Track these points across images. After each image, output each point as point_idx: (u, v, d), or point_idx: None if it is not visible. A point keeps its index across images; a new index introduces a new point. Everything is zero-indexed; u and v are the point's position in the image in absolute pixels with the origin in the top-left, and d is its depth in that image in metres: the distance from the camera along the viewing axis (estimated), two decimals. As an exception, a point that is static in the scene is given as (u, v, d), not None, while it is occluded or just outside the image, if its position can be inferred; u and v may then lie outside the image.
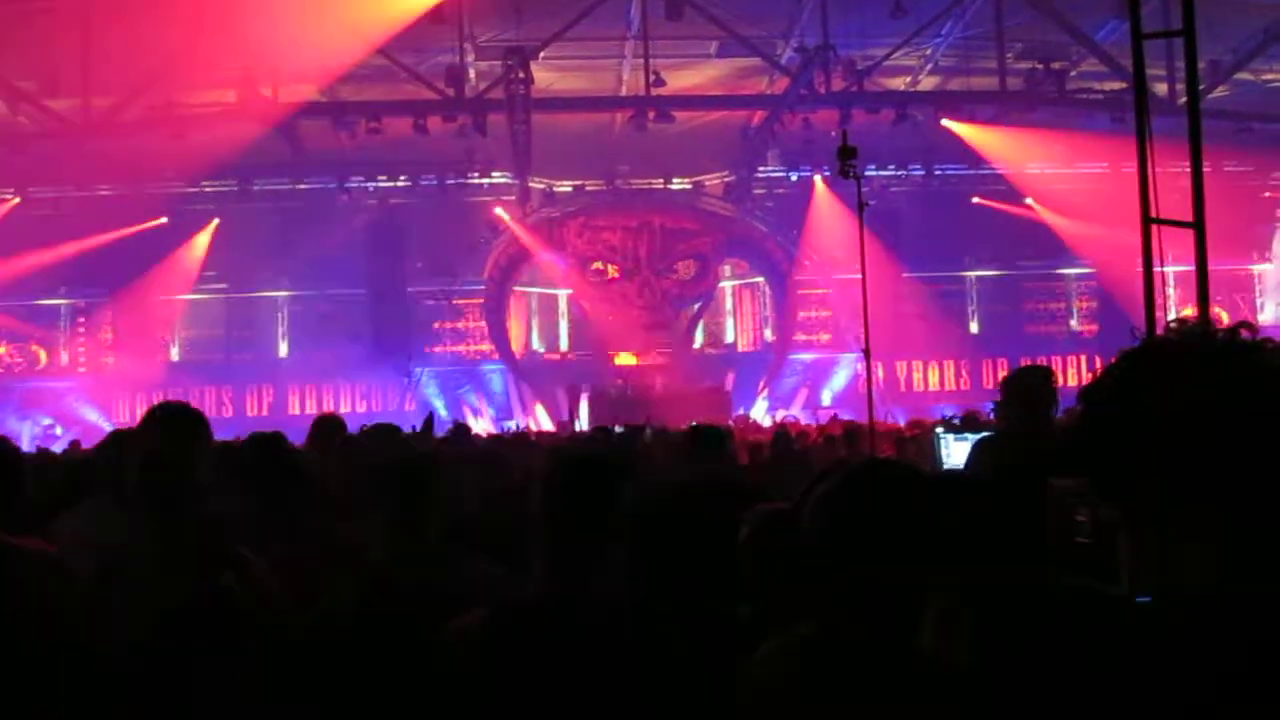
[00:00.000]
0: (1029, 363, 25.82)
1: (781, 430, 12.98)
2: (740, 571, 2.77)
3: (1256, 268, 28.36)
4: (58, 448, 20.42)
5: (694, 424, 7.54)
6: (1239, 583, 1.33)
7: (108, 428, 23.70)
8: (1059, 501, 4.24)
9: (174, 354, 26.78)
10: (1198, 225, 6.25)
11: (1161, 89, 19.71)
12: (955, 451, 7.94)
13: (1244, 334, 1.44)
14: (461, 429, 10.92)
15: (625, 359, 26.94)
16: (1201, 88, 15.51)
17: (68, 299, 26.22)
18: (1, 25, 18.08)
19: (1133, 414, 1.41)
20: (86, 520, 4.06)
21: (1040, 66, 21.25)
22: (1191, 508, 1.36)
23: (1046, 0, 19.76)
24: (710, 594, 2.78)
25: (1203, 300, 6.40)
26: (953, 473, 6.11)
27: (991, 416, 7.59)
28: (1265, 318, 28.11)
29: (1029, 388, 5.64)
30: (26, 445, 19.51)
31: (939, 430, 9.17)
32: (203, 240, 25.13)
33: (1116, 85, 20.38)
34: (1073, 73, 22.18)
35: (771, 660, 2.19)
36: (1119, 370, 1.47)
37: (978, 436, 6.62)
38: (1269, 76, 23.54)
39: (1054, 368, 23.65)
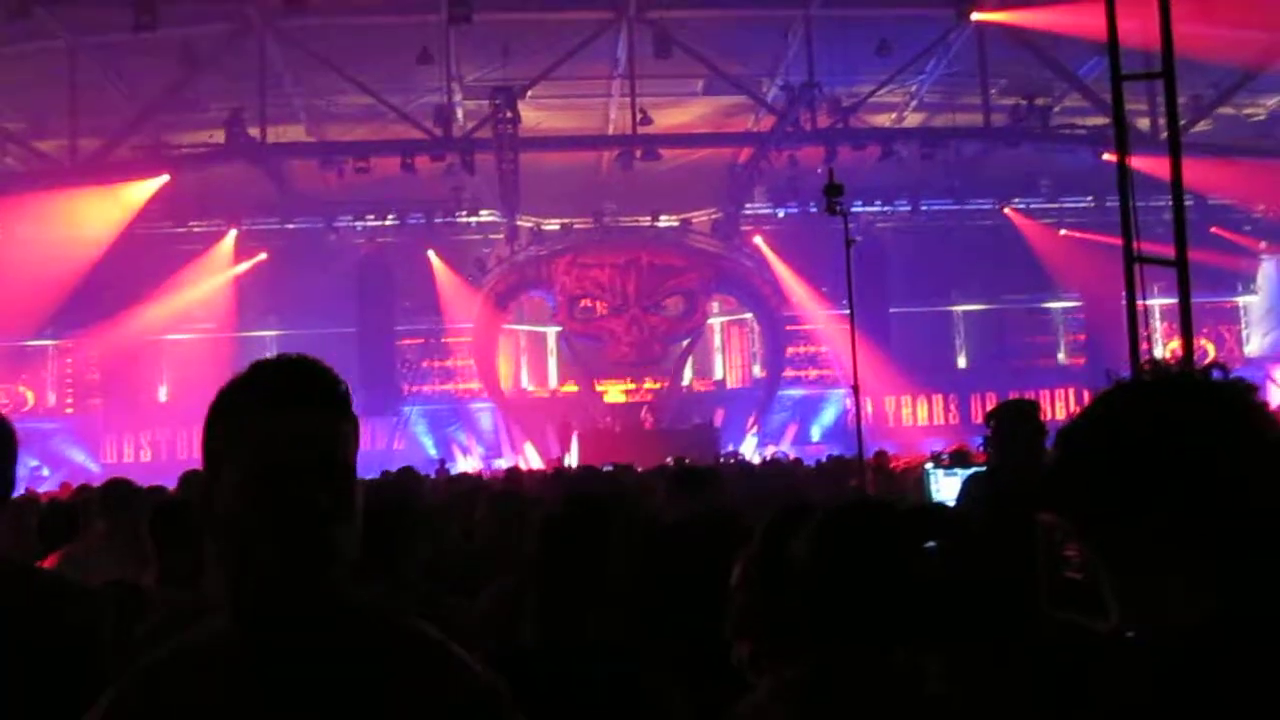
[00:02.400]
0: (1016, 395, 26.05)
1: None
2: (734, 613, 2.75)
3: (1242, 299, 28.49)
4: (44, 489, 20.32)
5: (681, 461, 7.53)
6: (1223, 615, 1.34)
7: (95, 469, 23.70)
8: (1047, 536, 4.24)
9: (162, 395, 26.69)
10: (1180, 264, 6.26)
11: (1144, 124, 19.88)
12: (945, 487, 7.98)
13: (1215, 374, 1.47)
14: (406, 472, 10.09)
15: (614, 396, 26.93)
16: (1183, 122, 15.63)
17: (54, 339, 26.14)
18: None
19: (1107, 453, 1.43)
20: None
21: (1024, 102, 21.39)
22: (1168, 545, 1.38)
23: (1030, 37, 19.92)
24: (705, 636, 2.76)
25: (1186, 336, 6.40)
26: (935, 506, 6.09)
27: (981, 451, 7.60)
28: (1251, 349, 28.24)
29: (1017, 421, 5.64)
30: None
31: (929, 466, 9.20)
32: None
33: (1100, 121, 20.53)
34: (1056, 109, 22.34)
35: (761, 705, 2.17)
36: (1094, 411, 1.50)
37: (968, 472, 6.63)
38: (1250, 110, 23.75)
39: (1042, 401, 23.64)
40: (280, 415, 1.61)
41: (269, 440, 1.60)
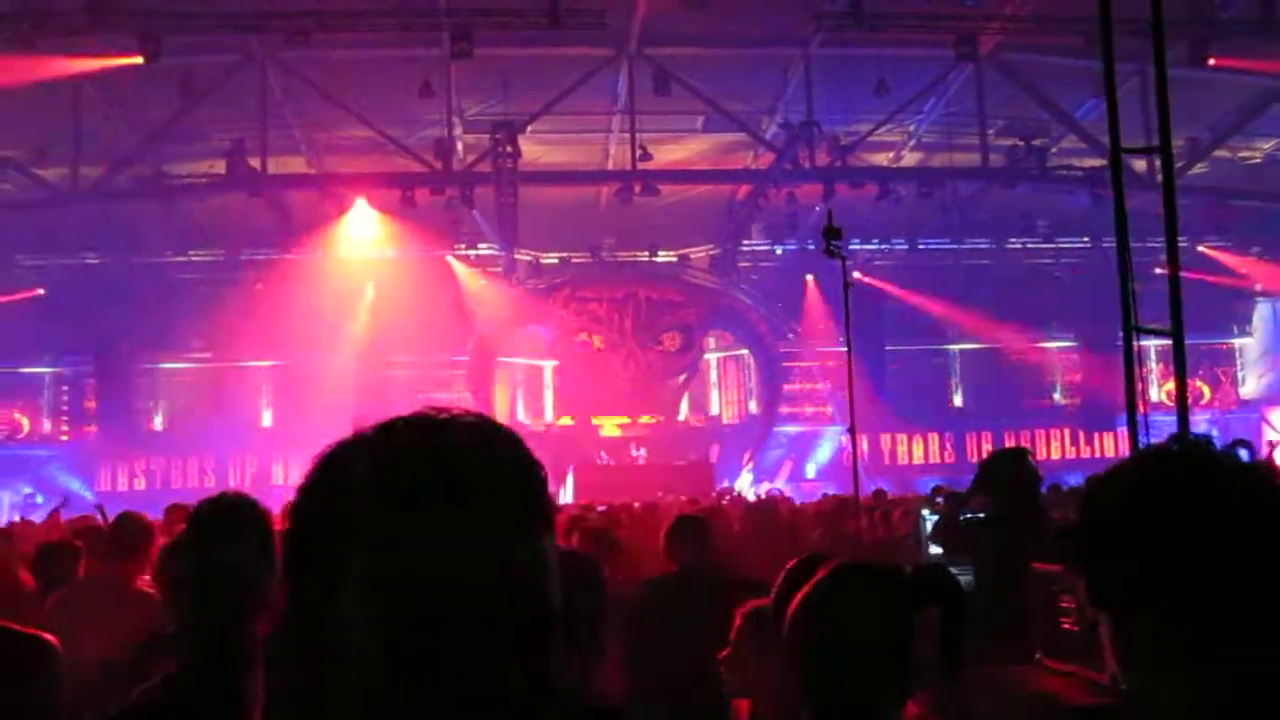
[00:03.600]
0: (1012, 435, 26.11)
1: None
2: (726, 668, 2.76)
3: (1237, 341, 28.55)
4: (37, 516, 20.26)
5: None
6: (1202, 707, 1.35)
7: (89, 496, 23.63)
8: (1045, 588, 4.25)
9: (157, 423, 26.65)
10: (1176, 334, 6.28)
11: (1140, 165, 19.98)
12: (941, 530, 7.97)
13: (1241, 452, 1.48)
14: None
15: (610, 430, 26.90)
16: (1180, 165, 15.74)
17: (51, 367, 26.11)
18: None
19: (1143, 530, 1.43)
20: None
21: (1022, 143, 21.53)
22: (1172, 626, 1.38)
23: (1027, 79, 20.05)
24: (699, 692, 2.76)
25: (1182, 413, 6.41)
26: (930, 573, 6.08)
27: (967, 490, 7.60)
28: (1246, 391, 28.27)
29: (1014, 471, 5.66)
30: (6, 513, 19.41)
31: (925, 511, 9.20)
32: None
33: (1097, 162, 20.63)
34: (1054, 149, 22.47)
35: None
36: (1126, 483, 1.50)
37: (963, 518, 6.64)
38: (1245, 153, 23.88)
39: (1037, 440, 23.47)
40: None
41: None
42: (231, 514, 2.93)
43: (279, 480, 25.28)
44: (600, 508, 12.14)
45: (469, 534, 0.99)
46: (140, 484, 25.50)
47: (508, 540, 1.01)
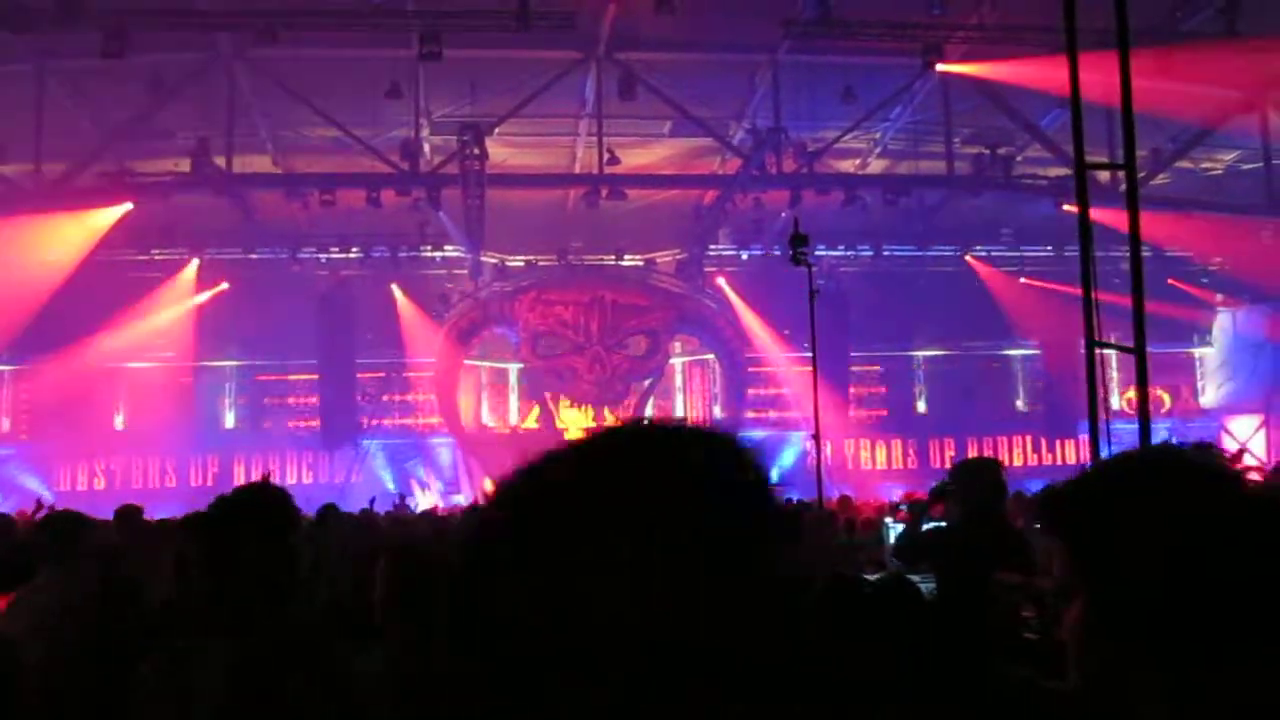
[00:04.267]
0: (975, 442, 26.28)
1: None
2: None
3: (1198, 350, 28.82)
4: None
5: None
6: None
7: (48, 496, 23.40)
8: (1005, 597, 4.30)
9: (118, 423, 26.41)
10: (1139, 350, 6.35)
11: (1104, 176, 20.12)
12: (903, 541, 8.05)
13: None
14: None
15: (576, 434, 26.67)
16: (1142, 175, 15.87)
17: (11, 364, 25.84)
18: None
19: (1138, 506, 1.43)
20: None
21: (987, 152, 21.66)
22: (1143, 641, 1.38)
23: (992, 88, 20.20)
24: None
25: (1144, 424, 6.48)
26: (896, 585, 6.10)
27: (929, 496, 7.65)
28: (1206, 400, 28.55)
29: (981, 482, 5.70)
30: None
31: (888, 520, 9.26)
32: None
33: (1061, 171, 20.81)
34: (1019, 158, 22.63)
35: None
36: (1131, 464, 1.49)
37: (927, 527, 6.70)
38: (1207, 164, 24.14)
39: (999, 447, 23.65)
40: None
41: None
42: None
43: (241, 480, 25.16)
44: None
45: None
46: (100, 484, 25.29)
47: None
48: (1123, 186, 8.25)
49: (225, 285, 25.14)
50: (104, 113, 20.05)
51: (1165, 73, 15.97)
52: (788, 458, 27.10)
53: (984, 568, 5.02)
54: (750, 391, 27.69)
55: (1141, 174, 8.54)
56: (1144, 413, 6.47)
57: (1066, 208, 20.58)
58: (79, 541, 5.01)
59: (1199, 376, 28.92)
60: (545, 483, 1.07)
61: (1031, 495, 11.80)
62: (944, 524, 6.40)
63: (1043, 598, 4.39)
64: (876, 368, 28.08)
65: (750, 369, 27.40)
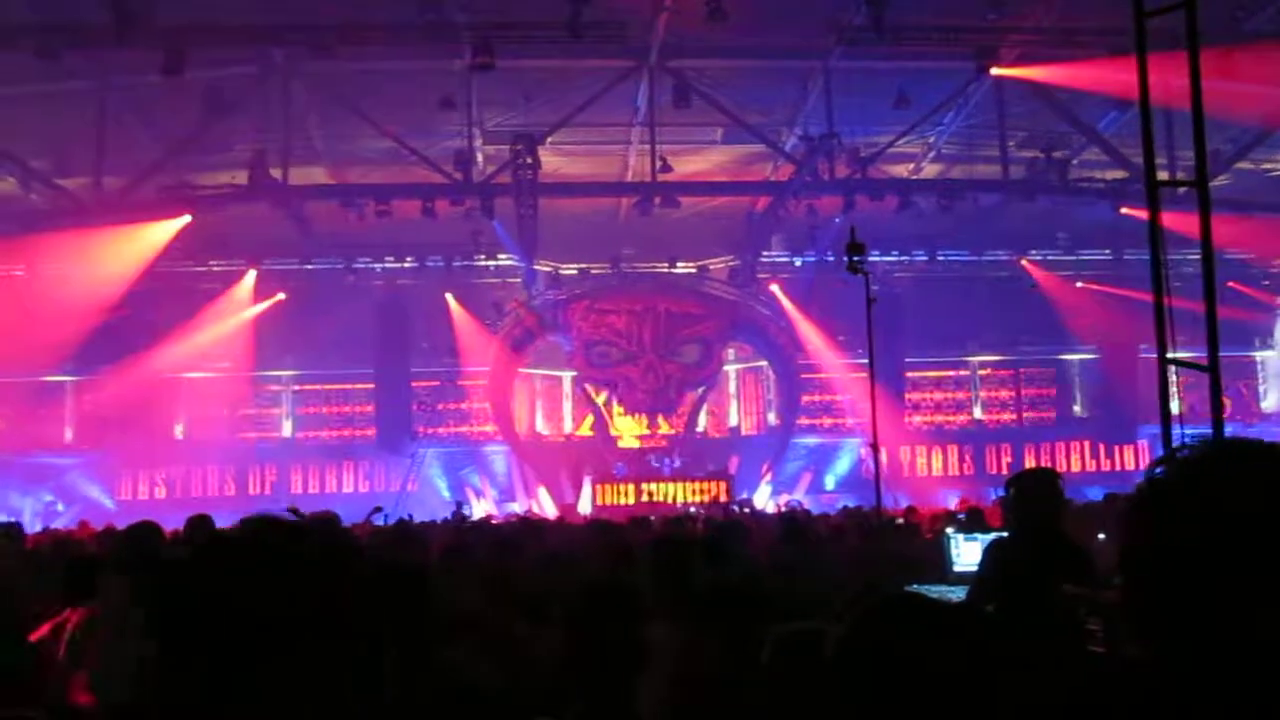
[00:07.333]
0: (1031, 447, 26.04)
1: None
2: (766, 693, 2.75)
3: (1259, 354, 28.39)
4: (60, 524, 20.40)
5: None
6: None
7: (110, 505, 23.78)
8: (1071, 608, 4.24)
9: (178, 432, 26.76)
10: (1213, 369, 6.18)
11: (1163, 178, 19.90)
12: (965, 552, 8.09)
13: None
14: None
15: (629, 442, 26.89)
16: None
17: (73, 376, 26.22)
18: (15, 105, 18.36)
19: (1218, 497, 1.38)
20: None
21: (1042, 155, 21.43)
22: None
23: (1048, 91, 19.99)
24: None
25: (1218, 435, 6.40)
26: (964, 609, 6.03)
27: (995, 506, 7.61)
28: (1268, 405, 28.12)
29: (1039, 492, 5.65)
30: (28, 521, 19.53)
31: (949, 531, 9.24)
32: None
33: (1119, 174, 20.58)
34: (1074, 161, 22.38)
35: None
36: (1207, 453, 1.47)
37: (988, 538, 6.68)
38: (1268, 165, 23.77)
39: (1056, 453, 23.41)
40: None
41: None
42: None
43: (298, 489, 25.45)
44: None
45: None
46: (161, 493, 25.63)
47: None
48: (1181, 191, 8.14)
49: (282, 296, 25.41)
50: (163, 127, 20.31)
51: (1226, 74, 15.71)
52: (843, 464, 27.03)
53: (1044, 579, 4.97)
54: (804, 398, 27.58)
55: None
56: (1218, 429, 6.33)
57: (1124, 211, 20.38)
58: (158, 551, 5.08)
59: (1260, 380, 28.49)
60: None
61: (1086, 503, 11.69)
62: (1003, 533, 6.36)
63: (1108, 609, 4.33)
64: (931, 373, 27.90)
65: (804, 375, 27.30)
